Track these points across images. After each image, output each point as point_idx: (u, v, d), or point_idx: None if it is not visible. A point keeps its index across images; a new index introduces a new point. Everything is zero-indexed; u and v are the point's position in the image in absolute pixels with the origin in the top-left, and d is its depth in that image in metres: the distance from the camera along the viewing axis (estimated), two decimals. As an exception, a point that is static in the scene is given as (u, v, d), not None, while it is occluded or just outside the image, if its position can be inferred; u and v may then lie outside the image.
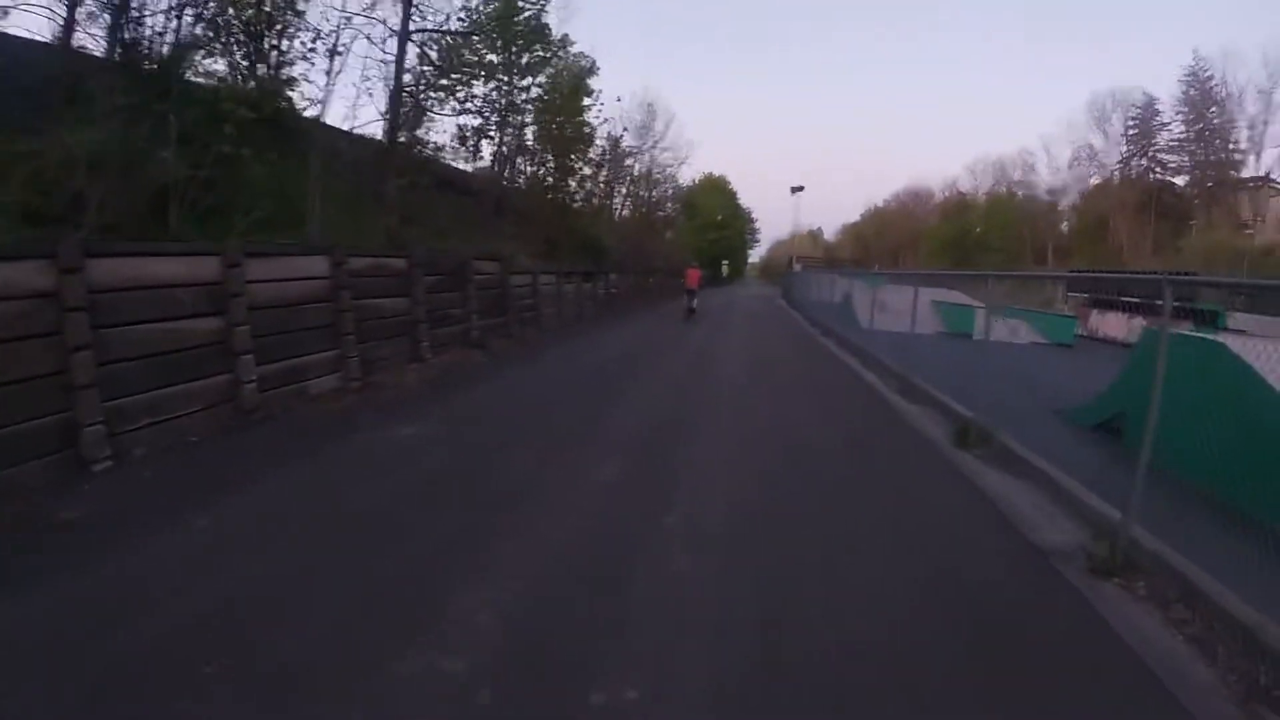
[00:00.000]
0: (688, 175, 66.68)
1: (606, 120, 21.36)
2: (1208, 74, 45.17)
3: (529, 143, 19.86)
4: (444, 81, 17.96)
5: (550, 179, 19.03)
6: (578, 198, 20.87)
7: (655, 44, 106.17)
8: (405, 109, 16.38)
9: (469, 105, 19.41)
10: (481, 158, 20.93)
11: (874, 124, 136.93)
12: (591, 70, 20.50)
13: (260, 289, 6.26)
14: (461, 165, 20.66)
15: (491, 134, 20.02)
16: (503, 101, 19.69)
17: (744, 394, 7.89)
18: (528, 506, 3.94)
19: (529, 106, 20.14)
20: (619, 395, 7.43)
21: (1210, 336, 5.08)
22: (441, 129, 23.28)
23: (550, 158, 19.92)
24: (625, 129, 25.21)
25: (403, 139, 17.42)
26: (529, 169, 19.10)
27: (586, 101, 20.76)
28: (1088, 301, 21.58)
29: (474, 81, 18.98)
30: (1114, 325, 19.16)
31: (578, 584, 3.01)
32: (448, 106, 17.43)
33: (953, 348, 11.31)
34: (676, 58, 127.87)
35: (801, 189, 41.11)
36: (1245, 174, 43.22)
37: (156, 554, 3.20)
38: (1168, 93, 50.58)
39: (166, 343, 5.35)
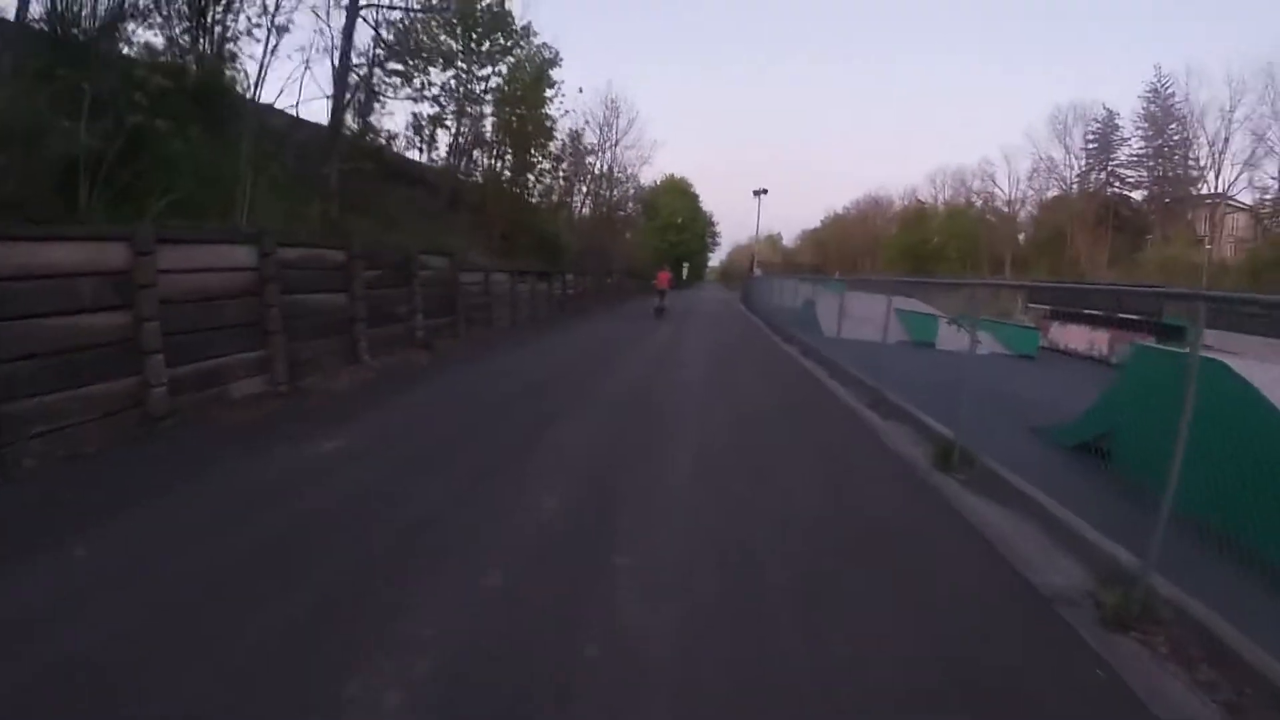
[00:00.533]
0: (650, 175, 66.67)
1: (568, 113, 20.95)
2: (1169, 90, 47.20)
3: (487, 134, 19.32)
4: (398, 66, 17.32)
5: (508, 172, 18.51)
6: (535, 192, 20.41)
7: (619, 45, 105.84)
8: (354, 90, 15.67)
9: (425, 93, 18.79)
10: (437, 149, 20.32)
11: (837, 132, 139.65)
12: (554, 61, 20.06)
13: (175, 280, 5.70)
14: (415, 156, 20.04)
15: (448, 123, 19.42)
16: (461, 90, 19.10)
17: (706, 410, 7.66)
18: (450, 547, 3.56)
19: (488, 97, 19.59)
20: (571, 407, 7.12)
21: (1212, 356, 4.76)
22: (394, 117, 22.38)
23: (509, 151, 19.41)
24: (587, 121, 24.76)
25: (354, 124, 16.71)
26: (486, 161, 18.56)
27: (549, 94, 20.32)
28: (1048, 313, 22.03)
29: (430, 68, 18.38)
30: (1076, 337, 19.46)
31: (499, 669, 2.44)
32: (403, 93, 16.77)
33: (920, 358, 11.39)
34: (640, 60, 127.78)
35: (765, 191, 41.39)
36: (1204, 190, 45.38)
37: (29, 588, 2.76)
38: (1130, 108, 52.59)
39: (63, 340, 4.79)
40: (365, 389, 7.45)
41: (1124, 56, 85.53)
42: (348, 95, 16.24)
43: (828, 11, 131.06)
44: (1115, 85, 62.01)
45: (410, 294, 9.84)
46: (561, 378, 8.73)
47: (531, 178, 21.15)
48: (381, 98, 17.17)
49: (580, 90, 24.11)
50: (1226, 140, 42.17)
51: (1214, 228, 43.75)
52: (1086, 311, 19.38)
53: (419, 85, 18.54)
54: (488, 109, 19.59)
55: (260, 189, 8.72)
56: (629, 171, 42.54)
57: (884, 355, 9.01)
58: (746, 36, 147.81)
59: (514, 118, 18.81)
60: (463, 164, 19.80)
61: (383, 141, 16.86)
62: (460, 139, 19.92)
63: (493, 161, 19.21)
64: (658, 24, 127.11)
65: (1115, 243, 50.18)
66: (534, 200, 21.74)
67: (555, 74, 20.90)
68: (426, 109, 18.95)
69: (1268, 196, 39.61)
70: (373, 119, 17.50)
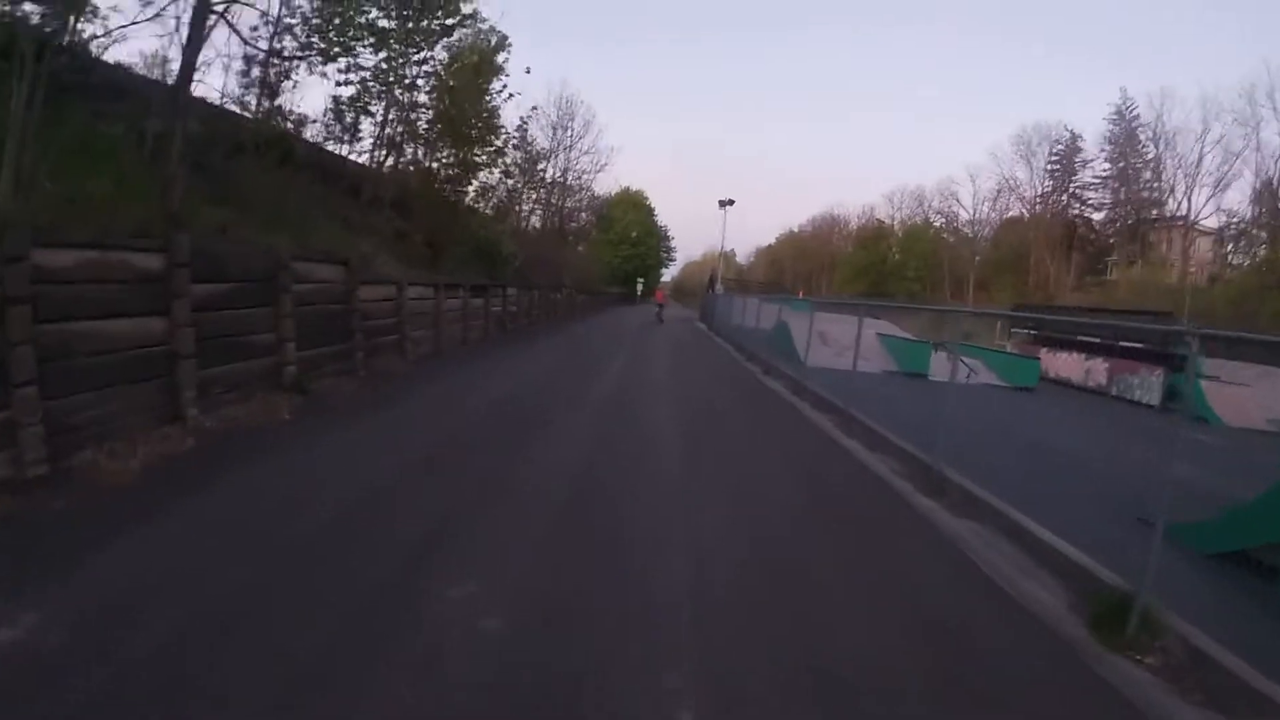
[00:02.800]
0: (607, 184, 64.44)
1: (513, 95, 18.17)
2: (1134, 112, 47.66)
3: (421, 126, 16.50)
4: (313, 39, 14.55)
5: (440, 169, 15.73)
6: (474, 194, 17.66)
7: (569, 52, 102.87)
8: (253, 60, 12.81)
9: (351, 76, 16.00)
10: (360, 139, 17.49)
11: (792, 149, 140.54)
12: (501, 46, 17.44)
13: None
14: (342, 150, 17.15)
15: (372, 109, 16.60)
16: (392, 73, 16.36)
17: (687, 481, 5.25)
18: None
19: (423, 84, 16.85)
20: (492, 489, 4.58)
21: None
22: (312, 101, 19.16)
23: (447, 146, 16.65)
24: (534, 107, 22.12)
25: (257, 104, 13.84)
26: (414, 152, 15.70)
27: (496, 86, 17.67)
28: (1034, 339, 20.63)
29: (357, 44, 15.62)
30: (1069, 366, 18.08)
31: None
32: (320, 70, 13.99)
33: (920, 394, 9.45)
34: (590, 68, 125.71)
35: (731, 202, 39.45)
36: (1170, 213, 45.74)
37: None
38: (1096, 130, 52.97)
39: None
40: (172, 472, 4.67)
41: (1098, 78, 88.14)
42: (251, 69, 13.40)
43: (786, 27, 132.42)
44: (1090, 107, 62.84)
45: (278, 316, 7.05)
46: (480, 446, 6.03)
47: (475, 182, 18.46)
48: (292, 75, 14.35)
49: (528, 70, 21.11)
50: (1199, 161, 42.53)
51: (1185, 250, 44.05)
52: (1081, 339, 17.83)
53: (346, 66, 15.79)
54: (421, 96, 16.83)
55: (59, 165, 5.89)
56: (583, 179, 40.18)
57: (884, 391, 7.08)
58: (703, 52, 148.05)
59: (452, 109, 16.08)
60: (390, 160, 16.94)
61: (289, 126, 14.00)
62: (390, 130, 17.07)
63: (426, 158, 16.36)
64: (611, 29, 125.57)
65: (1078, 264, 50.55)
66: (474, 204, 19.01)
67: (504, 66, 18.31)
68: (349, 92, 16.15)
69: (1234, 219, 39.96)
70: (283, 102, 14.67)
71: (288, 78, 15.61)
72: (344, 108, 16.52)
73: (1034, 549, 4.42)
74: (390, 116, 16.97)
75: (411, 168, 15.39)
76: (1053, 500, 5.24)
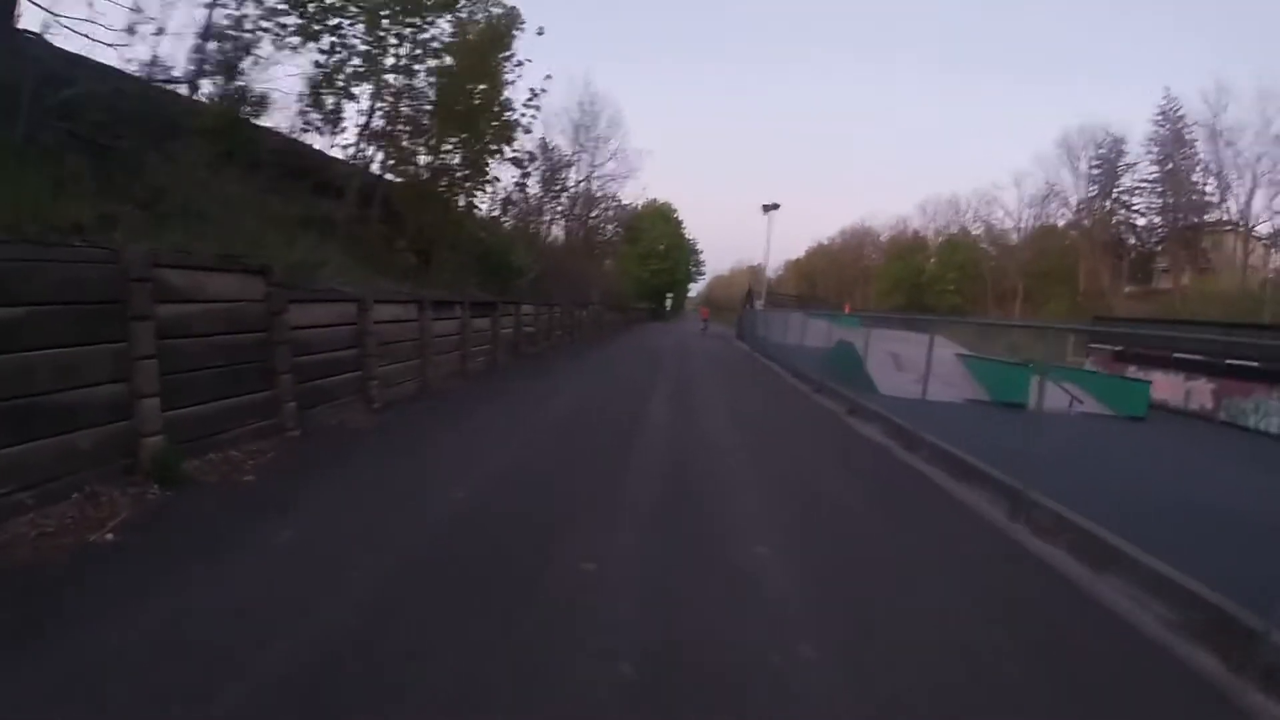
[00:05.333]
0: (634, 191, 62.02)
1: (523, 64, 15.36)
2: (1179, 113, 43.94)
3: (407, 111, 13.88)
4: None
5: (437, 162, 13.07)
6: (480, 195, 14.96)
7: (593, 56, 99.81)
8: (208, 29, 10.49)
9: (334, 58, 13.61)
10: (344, 129, 15.04)
11: (820, 162, 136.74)
12: (514, 24, 14.86)
13: None
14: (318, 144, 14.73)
15: (355, 92, 14.12)
16: (382, 51, 13.91)
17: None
18: None
19: (419, 67, 14.35)
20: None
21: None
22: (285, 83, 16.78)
23: (448, 138, 14.04)
24: (549, 76, 19.39)
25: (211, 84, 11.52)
26: (407, 141, 13.05)
27: (508, 74, 15.04)
28: (1114, 355, 17.85)
29: (341, 19, 13.32)
30: (1164, 387, 15.23)
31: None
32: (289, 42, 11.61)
33: (1063, 436, 6.75)
34: (617, 72, 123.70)
35: (776, 206, 36.39)
36: (1224, 216, 41.75)
37: None
38: (1143, 131, 48.74)
39: None
40: None
41: (1149, 75, 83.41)
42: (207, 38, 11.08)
43: (810, 34, 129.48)
44: (1141, 107, 58.21)
45: (129, 356, 4.37)
46: (441, 628, 3.23)
47: (487, 186, 15.85)
48: (253, 50, 11.97)
49: (548, 77, 18.14)
50: (1258, 159, 38.45)
51: (1245, 254, 40.00)
52: (1178, 356, 15.02)
53: (330, 46, 13.39)
54: (419, 80, 14.32)
55: None
56: (609, 187, 37.71)
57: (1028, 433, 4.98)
58: (727, 59, 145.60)
59: (454, 94, 13.52)
60: (380, 154, 14.41)
61: (247, 110, 11.61)
62: (378, 118, 14.55)
63: (426, 149, 13.70)
64: (637, 41, 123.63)
65: (1123, 271, 46.79)
66: (485, 209, 16.44)
67: (513, 45, 15.73)
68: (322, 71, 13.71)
69: None
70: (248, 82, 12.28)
71: (249, 53, 13.17)
72: (321, 88, 14.10)
73: None
74: (378, 105, 14.51)
75: (399, 162, 12.76)
76: None
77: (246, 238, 8.01)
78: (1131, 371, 16.11)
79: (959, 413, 10.20)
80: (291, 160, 12.55)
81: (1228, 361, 13.83)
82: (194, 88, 10.58)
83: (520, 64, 14.96)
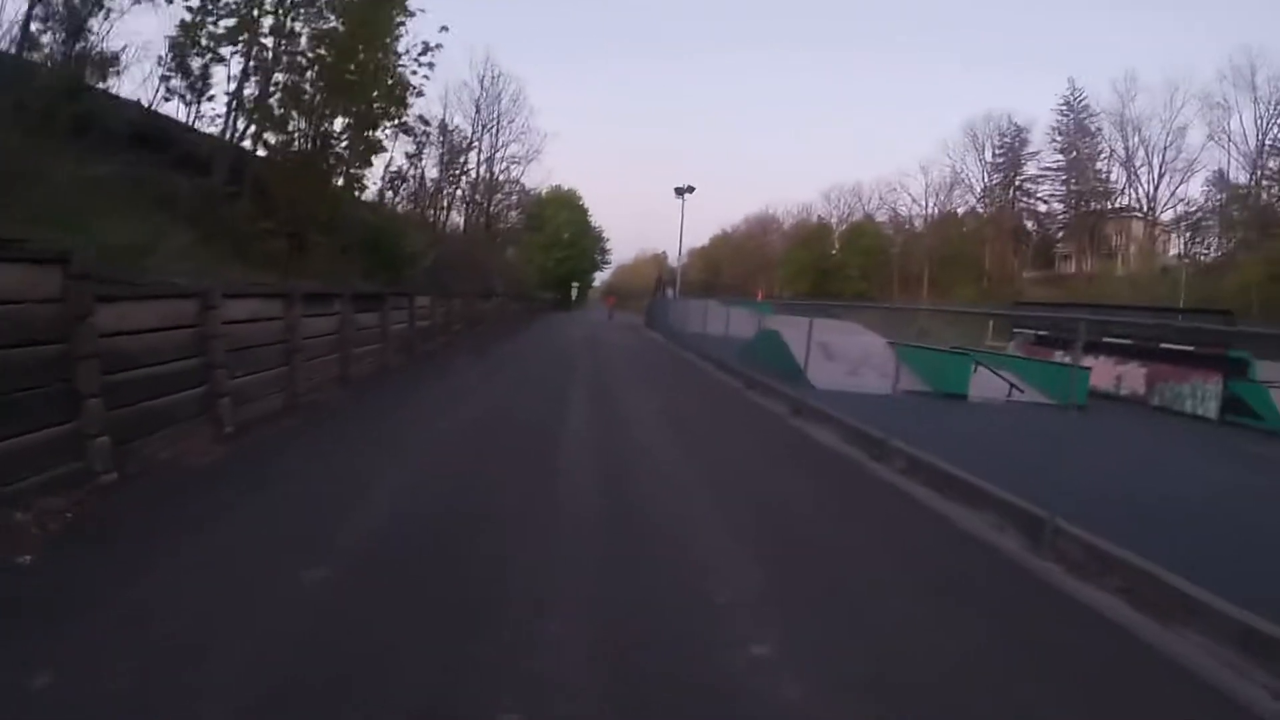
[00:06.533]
0: (537, 177, 59.87)
1: (415, 14, 13.69)
2: (1082, 103, 47.48)
3: (293, 81, 12.13)
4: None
5: (319, 138, 11.43)
6: (364, 175, 13.35)
7: (497, 29, 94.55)
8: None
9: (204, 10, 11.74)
10: (212, 97, 13.12)
11: (724, 149, 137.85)
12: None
13: None
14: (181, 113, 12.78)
15: (224, 53, 12.27)
16: (264, 17, 12.13)
17: None
18: None
19: (300, 25, 12.58)
20: None
21: None
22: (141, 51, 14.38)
23: (335, 109, 12.34)
24: (444, 28, 17.71)
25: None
26: (280, 112, 11.31)
27: (400, 28, 13.42)
28: (1033, 340, 18.00)
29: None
30: (1095, 373, 14.87)
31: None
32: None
33: (979, 420, 6.38)
34: (520, 53, 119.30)
35: (691, 189, 35.68)
36: (1126, 203, 45.68)
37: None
38: (1048, 121, 52.52)
39: None
40: None
41: (1059, 67, 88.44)
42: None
43: (723, 28, 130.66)
44: (1047, 98, 62.29)
45: None
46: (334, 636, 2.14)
47: (374, 157, 14.16)
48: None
49: (444, 29, 16.01)
50: (1166, 149, 42.48)
51: (1151, 241, 43.97)
52: (1108, 340, 14.94)
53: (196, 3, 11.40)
54: (302, 43, 12.56)
55: None
56: (512, 172, 35.98)
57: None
58: (638, 49, 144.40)
59: (338, 59, 11.85)
60: (250, 126, 12.51)
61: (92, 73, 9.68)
62: (259, 89, 12.62)
63: (306, 118, 11.92)
64: (541, 17, 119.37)
65: (1026, 257, 50.34)
66: (368, 185, 14.77)
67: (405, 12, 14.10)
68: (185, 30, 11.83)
69: (1191, 210, 39.99)
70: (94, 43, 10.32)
71: (100, 5, 11.22)
72: (185, 49, 12.10)
73: None
74: (252, 71, 12.60)
75: (271, 129, 10.97)
76: None
77: (60, 217, 6.44)
78: (1058, 357, 15.48)
79: (914, 409, 8.95)
80: (153, 133, 10.60)
81: (1163, 346, 13.99)
82: (26, 45, 8.67)
83: (412, 14, 13.38)
